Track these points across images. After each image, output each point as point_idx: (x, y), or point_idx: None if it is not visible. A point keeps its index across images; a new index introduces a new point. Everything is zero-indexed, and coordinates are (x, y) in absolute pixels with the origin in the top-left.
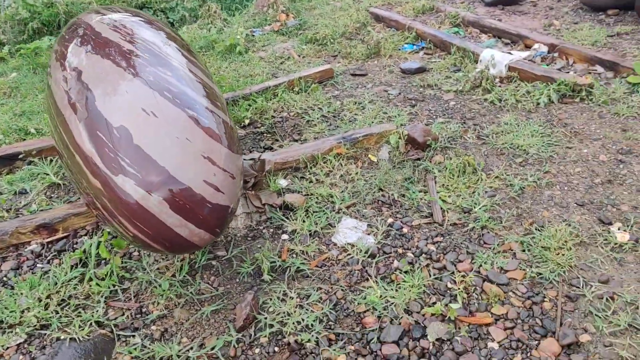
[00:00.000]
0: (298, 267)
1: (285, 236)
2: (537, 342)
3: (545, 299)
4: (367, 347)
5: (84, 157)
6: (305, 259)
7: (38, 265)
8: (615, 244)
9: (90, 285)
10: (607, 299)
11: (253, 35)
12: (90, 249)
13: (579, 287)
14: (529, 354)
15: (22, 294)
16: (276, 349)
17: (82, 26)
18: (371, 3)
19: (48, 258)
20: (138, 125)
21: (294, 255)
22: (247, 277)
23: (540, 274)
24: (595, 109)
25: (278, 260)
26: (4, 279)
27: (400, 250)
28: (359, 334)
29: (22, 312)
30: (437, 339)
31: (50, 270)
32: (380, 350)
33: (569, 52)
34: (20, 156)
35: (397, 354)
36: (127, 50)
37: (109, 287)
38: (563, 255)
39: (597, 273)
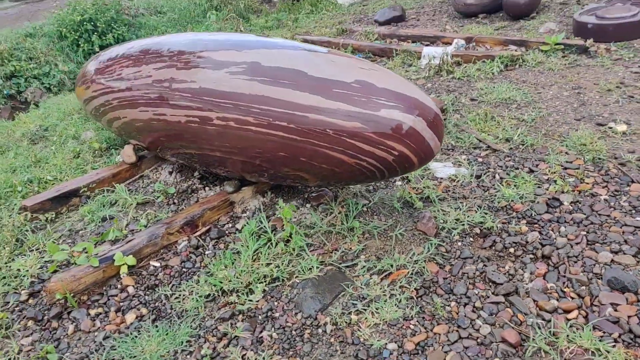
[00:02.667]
0: (432, 195)
1: (398, 182)
2: (628, 186)
3: (609, 169)
4: (531, 217)
5: (328, 112)
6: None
7: (207, 252)
8: (622, 132)
9: (278, 248)
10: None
11: None
12: (260, 220)
13: (623, 157)
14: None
15: (223, 269)
16: (471, 239)
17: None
18: (292, 33)
19: (211, 245)
20: (371, 77)
21: (419, 190)
22: (400, 210)
23: (593, 157)
24: (534, 70)
25: (414, 194)
26: (183, 270)
27: (491, 170)
28: (518, 214)
29: (237, 277)
30: (570, 202)
31: (230, 248)
32: (541, 218)
33: (483, 40)
34: (81, 191)
35: (553, 218)
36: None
37: (299, 243)
38: (596, 144)
39: (624, 150)
